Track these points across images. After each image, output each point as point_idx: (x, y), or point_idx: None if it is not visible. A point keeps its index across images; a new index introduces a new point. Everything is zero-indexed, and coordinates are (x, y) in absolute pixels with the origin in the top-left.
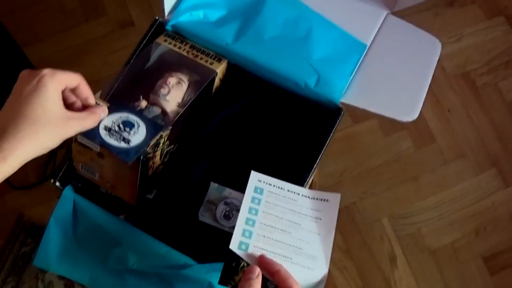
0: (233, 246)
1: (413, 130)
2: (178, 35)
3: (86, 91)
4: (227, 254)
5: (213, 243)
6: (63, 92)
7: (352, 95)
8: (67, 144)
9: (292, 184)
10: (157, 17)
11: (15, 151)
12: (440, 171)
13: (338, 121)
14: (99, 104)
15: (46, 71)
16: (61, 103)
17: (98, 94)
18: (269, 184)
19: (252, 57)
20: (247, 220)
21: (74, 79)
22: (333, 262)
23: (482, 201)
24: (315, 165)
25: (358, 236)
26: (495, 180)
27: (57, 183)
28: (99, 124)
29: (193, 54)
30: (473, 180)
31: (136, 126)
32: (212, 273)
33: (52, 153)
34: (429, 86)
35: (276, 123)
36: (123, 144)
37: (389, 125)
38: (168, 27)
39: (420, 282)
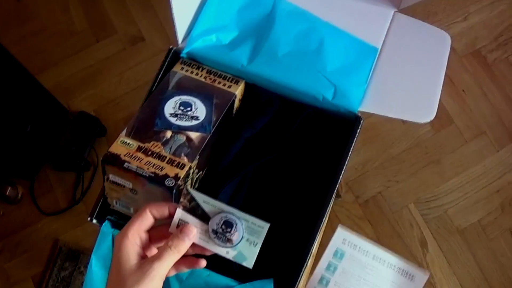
0: None
1: None
2: (194, 61)
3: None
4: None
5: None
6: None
7: (369, 102)
8: (93, 166)
9: (380, 249)
10: (171, 46)
11: None
12: (461, 151)
13: (358, 130)
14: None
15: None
16: (133, 257)
17: (124, 132)
18: (354, 245)
19: (268, 76)
20: None
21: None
22: None
23: (504, 176)
24: (341, 175)
25: (387, 225)
26: None
27: (94, 221)
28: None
29: (210, 79)
30: (494, 157)
31: (193, 105)
32: None
33: (80, 176)
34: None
35: (298, 138)
36: (194, 122)
37: None
38: (183, 55)
39: (452, 263)
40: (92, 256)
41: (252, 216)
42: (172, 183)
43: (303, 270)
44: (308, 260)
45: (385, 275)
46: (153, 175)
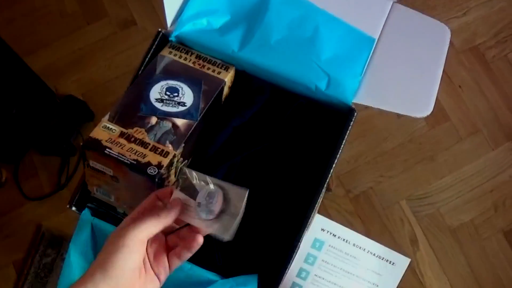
0: None
1: None
2: (183, 45)
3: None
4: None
5: (236, 257)
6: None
7: (364, 94)
8: (79, 151)
9: (360, 236)
10: (160, 29)
11: None
12: (456, 149)
13: (351, 122)
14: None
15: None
16: (140, 260)
17: (107, 116)
18: (333, 235)
19: (260, 63)
20: (293, 286)
21: (155, 226)
22: None
23: (499, 175)
24: (332, 168)
25: (378, 221)
26: (511, 154)
27: (74, 208)
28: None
29: (199, 64)
30: (489, 155)
31: (180, 91)
32: None
33: (65, 161)
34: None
35: (289, 128)
36: (180, 108)
37: None
38: (172, 38)
39: (443, 262)
40: (71, 244)
41: (230, 184)
42: (155, 172)
43: (288, 266)
44: (294, 255)
45: (366, 264)
46: (135, 162)
